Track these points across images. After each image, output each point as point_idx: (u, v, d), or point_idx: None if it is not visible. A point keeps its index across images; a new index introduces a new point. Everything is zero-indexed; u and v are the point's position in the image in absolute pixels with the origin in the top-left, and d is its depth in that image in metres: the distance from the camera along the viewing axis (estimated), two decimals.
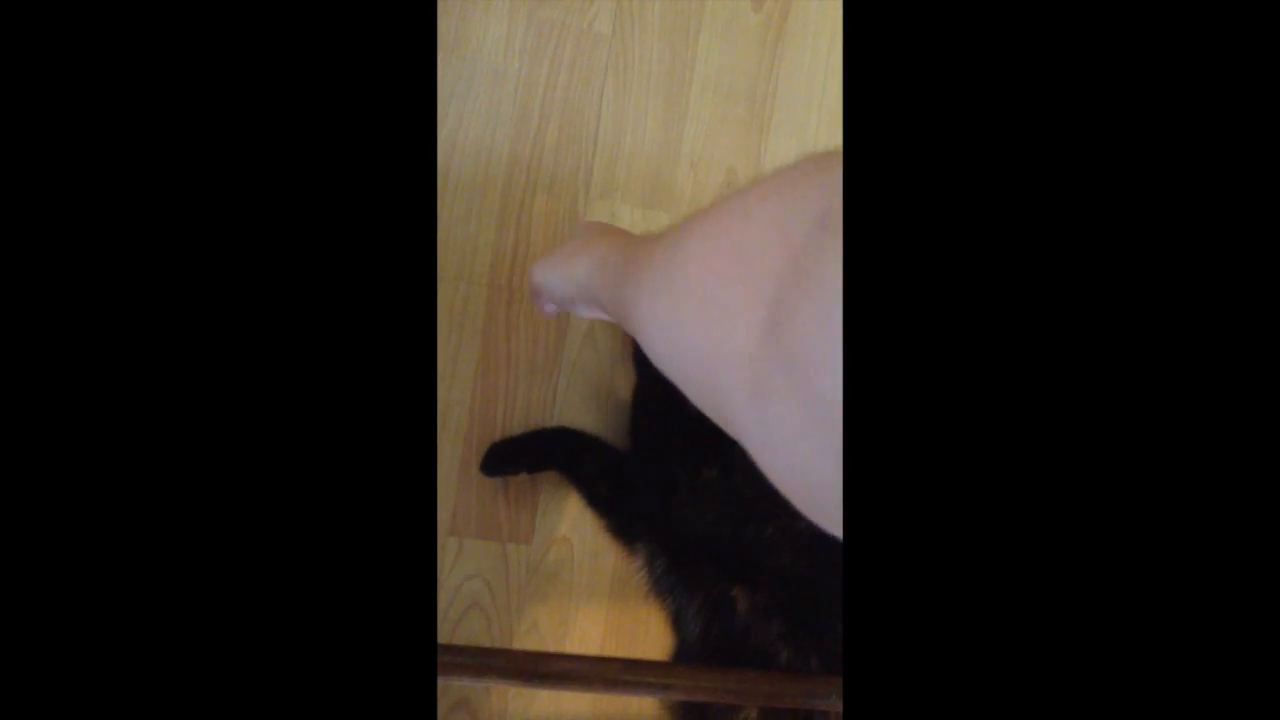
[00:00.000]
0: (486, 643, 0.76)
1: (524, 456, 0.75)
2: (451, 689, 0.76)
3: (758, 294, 0.23)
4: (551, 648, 0.77)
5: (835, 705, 0.63)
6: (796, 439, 0.22)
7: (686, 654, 0.72)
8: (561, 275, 0.49)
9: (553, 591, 0.77)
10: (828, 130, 0.78)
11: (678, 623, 0.71)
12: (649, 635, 0.78)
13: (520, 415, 0.76)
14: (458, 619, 0.76)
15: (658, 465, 0.70)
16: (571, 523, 0.77)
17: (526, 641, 0.77)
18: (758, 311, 0.23)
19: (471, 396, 0.75)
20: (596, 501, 0.75)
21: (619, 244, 0.43)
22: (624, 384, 0.77)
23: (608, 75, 0.76)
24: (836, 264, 0.21)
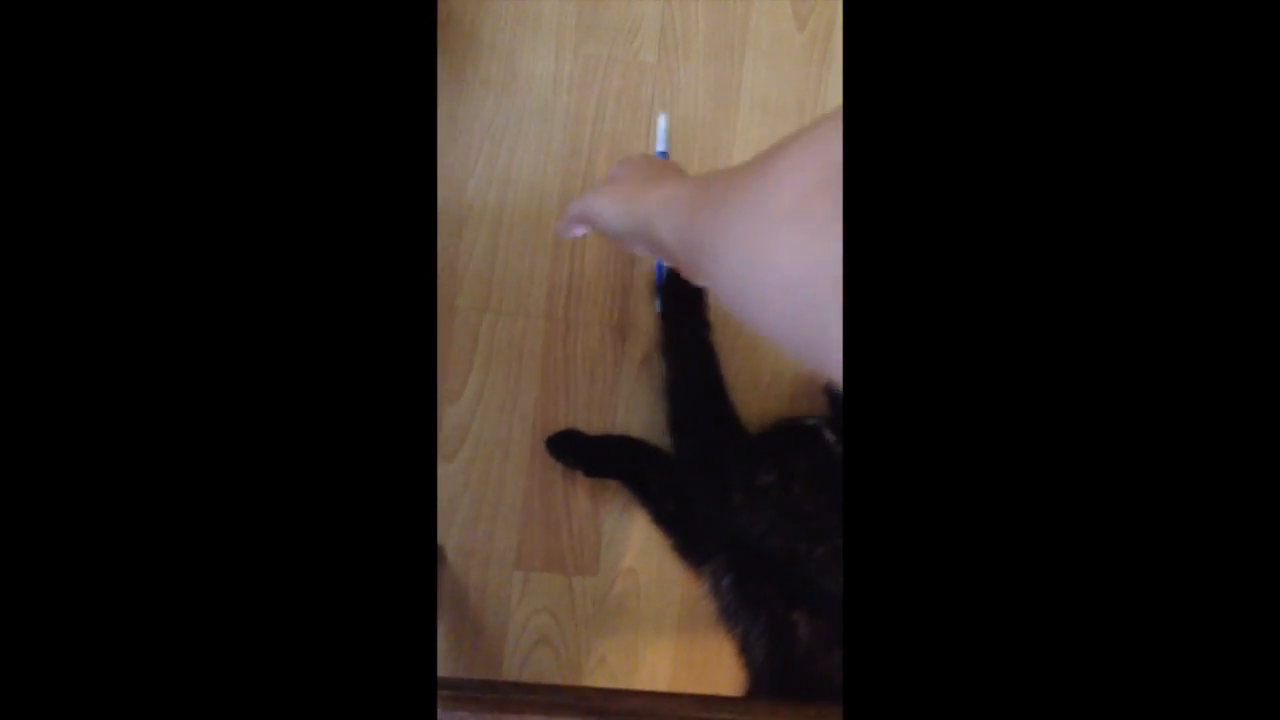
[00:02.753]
0: (556, 678, 0.75)
1: (587, 454, 0.74)
2: None
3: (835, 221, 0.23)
4: (621, 682, 0.75)
5: None
6: None
7: (758, 686, 0.70)
8: (622, 210, 0.47)
9: (620, 624, 0.76)
10: None
11: (744, 649, 0.69)
12: (720, 669, 0.76)
13: None
14: (527, 654, 0.76)
15: (710, 465, 0.69)
16: (636, 554, 0.76)
17: (596, 676, 0.76)
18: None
19: (533, 428, 0.76)
20: (663, 519, 0.74)
21: (690, 180, 0.42)
22: None
23: (654, 103, 0.77)
24: None
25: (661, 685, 0.75)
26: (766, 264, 0.28)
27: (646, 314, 0.76)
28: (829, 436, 0.67)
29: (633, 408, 0.76)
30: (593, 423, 0.76)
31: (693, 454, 0.72)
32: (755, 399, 0.75)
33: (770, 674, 0.68)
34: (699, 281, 0.35)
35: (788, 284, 0.26)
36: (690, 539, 0.74)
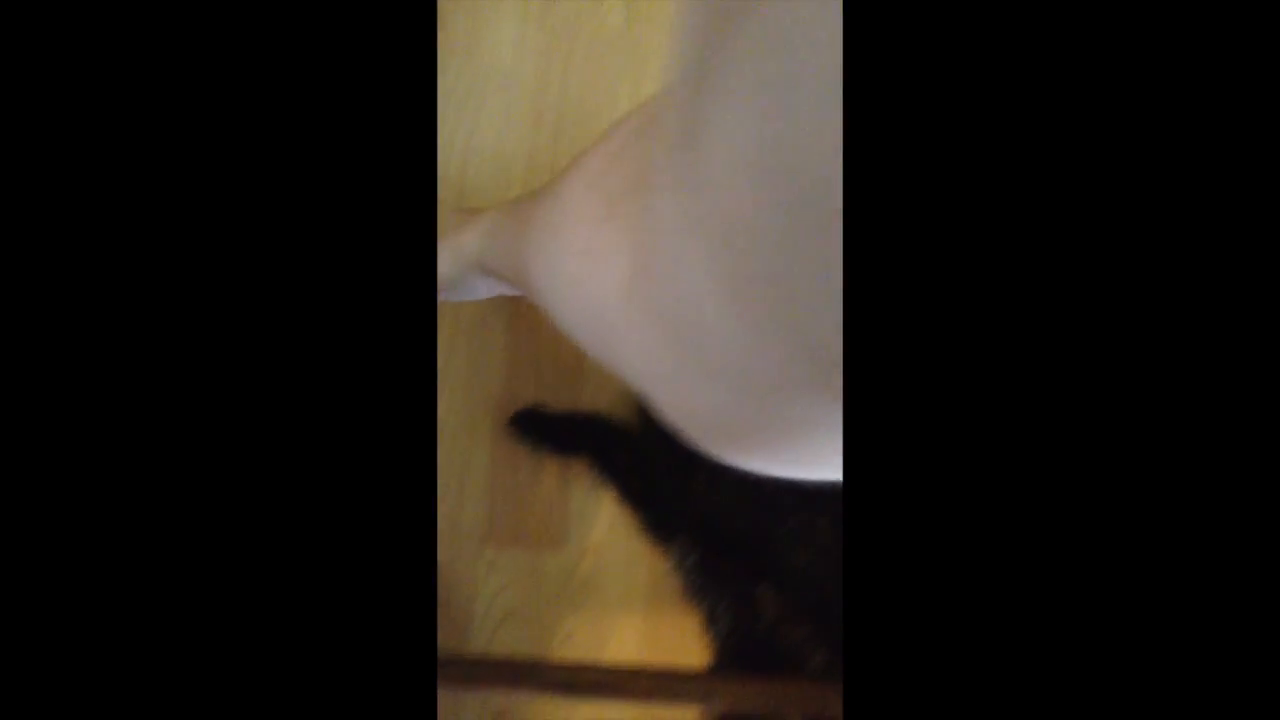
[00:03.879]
0: (524, 652, 0.75)
1: (554, 432, 0.74)
2: (492, 699, 0.75)
3: (622, 236, 0.25)
4: (589, 657, 0.76)
5: None
6: (669, 369, 0.25)
7: (724, 660, 0.71)
8: (449, 255, 0.47)
9: (588, 600, 0.76)
10: None
11: (711, 623, 0.70)
12: (686, 644, 0.76)
13: None
14: (494, 628, 0.76)
15: (675, 443, 0.69)
16: (605, 530, 0.76)
17: (564, 651, 0.76)
18: (624, 252, 0.25)
19: (499, 403, 0.75)
20: (630, 496, 0.74)
21: (505, 208, 0.42)
22: None
23: (623, 71, 0.75)
24: (676, 199, 0.21)
25: (630, 660, 0.76)
26: (570, 294, 0.29)
27: None
28: None
29: (600, 384, 0.75)
30: (560, 399, 0.75)
31: (658, 431, 0.72)
32: None
33: (736, 647, 0.69)
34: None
35: (589, 310, 0.28)
36: (656, 516, 0.74)
